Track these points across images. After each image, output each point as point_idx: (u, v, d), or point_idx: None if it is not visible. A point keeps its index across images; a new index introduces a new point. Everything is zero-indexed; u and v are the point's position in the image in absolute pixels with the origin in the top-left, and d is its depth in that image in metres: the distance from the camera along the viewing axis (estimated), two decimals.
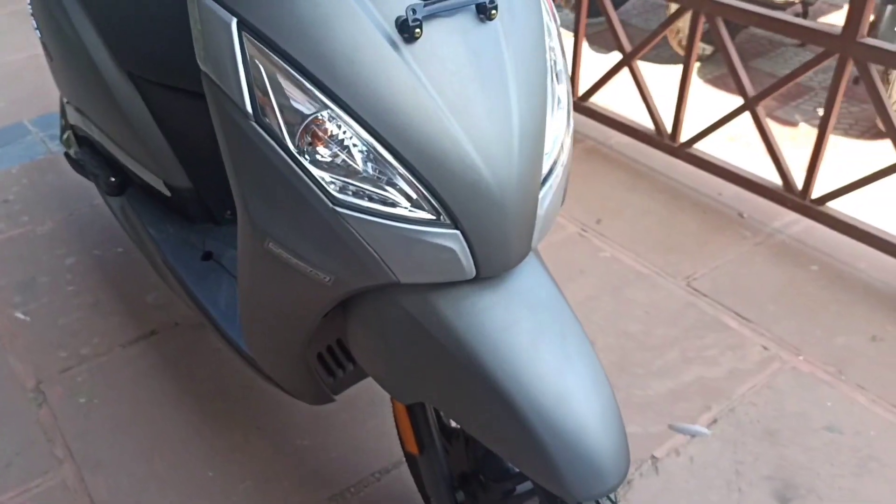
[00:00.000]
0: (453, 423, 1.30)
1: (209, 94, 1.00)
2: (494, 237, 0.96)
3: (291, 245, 1.00)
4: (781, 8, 3.11)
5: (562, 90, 1.05)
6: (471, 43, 0.93)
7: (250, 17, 0.91)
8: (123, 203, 1.79)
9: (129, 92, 1.56)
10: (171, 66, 1.49)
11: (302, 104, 0.92)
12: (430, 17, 0.90)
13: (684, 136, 2.59)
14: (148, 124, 1.57)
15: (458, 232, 0.94)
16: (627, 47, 2.59)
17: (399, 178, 0.92)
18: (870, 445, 1.68)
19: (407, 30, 0.89)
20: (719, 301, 2.09)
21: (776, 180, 2.38)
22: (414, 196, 0.93)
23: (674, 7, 2.50)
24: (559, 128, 1.04)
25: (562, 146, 1.04)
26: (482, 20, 0.94)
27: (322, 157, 0.93)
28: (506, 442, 0.97)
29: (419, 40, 0.90)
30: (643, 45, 2.55)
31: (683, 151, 2.59)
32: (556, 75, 1.04)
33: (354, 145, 0.92)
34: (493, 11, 0.93)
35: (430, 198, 0.93)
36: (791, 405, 1.78)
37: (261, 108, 0.93)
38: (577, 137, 2.87)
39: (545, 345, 0.98)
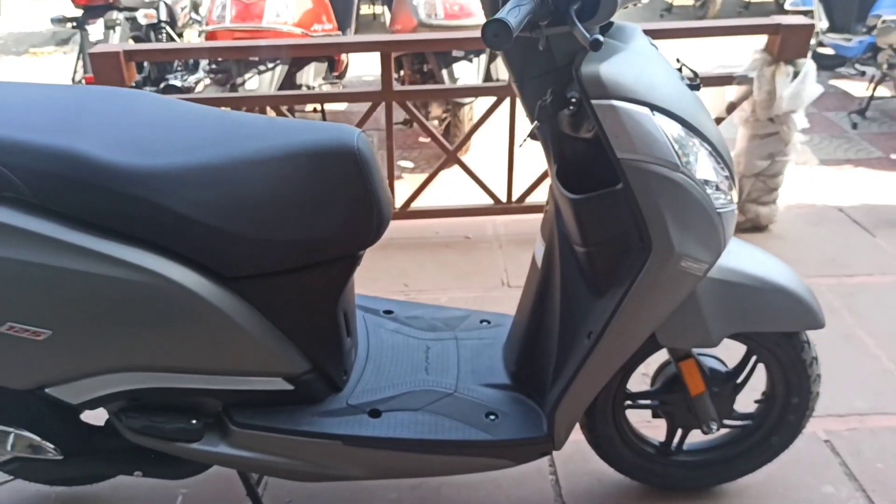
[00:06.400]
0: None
1: (634, 175, 1.30)
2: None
3: (696, 255, 1.36)
4: None
5: None
6: None
7: (656, 103, 1.29)
8: (230, 433, 1.50)
9: (234, 301, 1.38)
10: (267, 253, 1.39)
11: (696, 147, 1.33)
12: None
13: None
14: (261, 324, 1.42)
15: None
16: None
17: (729, 179, 1.41)
18: None
19: (696, 87, 1.39)
20: None
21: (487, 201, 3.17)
22: (733, 191, 1.42)
23: None
24: None
25: None
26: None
27: (706, 181, 1.35)
28: (784, 316, 1.55)
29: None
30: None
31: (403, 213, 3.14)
32: None
33: (717, 165, 1.38)
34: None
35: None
36: None
37: (680, 160, 1.30)
38: None
39: (767, 255, 1.61)
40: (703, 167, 1.35)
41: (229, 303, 1.37)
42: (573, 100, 1.34)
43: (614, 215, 1.37)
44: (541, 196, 3.18)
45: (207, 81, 3.73)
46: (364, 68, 6.07)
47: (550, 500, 1.84)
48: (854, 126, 4.59)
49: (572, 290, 1.51)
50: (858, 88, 5.13)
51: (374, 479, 1.60)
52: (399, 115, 3.42)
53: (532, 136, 1.50)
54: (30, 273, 1.26)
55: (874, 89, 4.69)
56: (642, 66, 1.32)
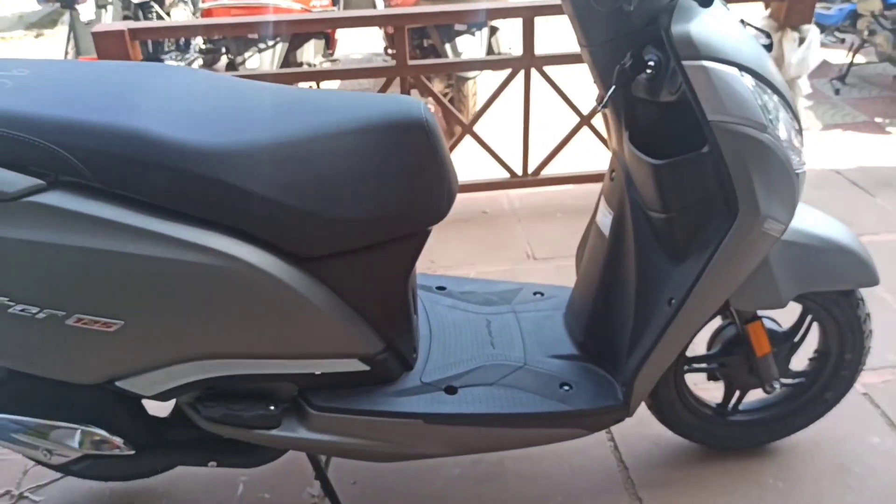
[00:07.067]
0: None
1: (724, 137, 1.30)
2: None
3: (778, 216, 1.38)
4: None
5: None
6: None
7: (743, 63, 1.30)
8: (309, 417, 1.47)
9: (310, 283, 1.35)
10: (343, 231, 1.36)
11: (777, 107, 1.35)
12: None
13: None
14: (336, 305, 1.39)
15: None
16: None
17: (800, 138, 1.42)
18: None
19: (768, 48, 1.39)
20: (557, 256, 2.82)
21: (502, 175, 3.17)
22: (803, 151, 1.43)
23: None
24: None
25: None
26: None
27: (784, 139, 1.36)
28: (844, 274, 1.61)
29: None
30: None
31: None
32: None
33: (793, 126, 1.39)
34: None
35: None
36: None
37: (766, 121, 1.31)
38: None
39: (823, 214, 1.68)
40: (783, 128, 1.36)
41: (306, 284, 1.34)
42: (651, 63, 1.34)
43: (698, 179, 1.38)
44: (554, 168, 3.20)
45: (201, 61, 3.64)
46: (350, 46, 6.01)
47: (613, 465, 1.87)
48: (837, 92, 4.69)
49: (648, 257, 1.52)
50: (836, 56, 5.23)
51: (451, 455, 1.60)
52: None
53: (601, 101, 1.49)
54: (96, 261, 1.21)
55: (853, 56, 4.79)
56: (723, 25, 1.32)
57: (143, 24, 2.76)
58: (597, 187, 3.18)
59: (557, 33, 4.52)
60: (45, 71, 1.33)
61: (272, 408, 1.46)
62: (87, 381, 1.37)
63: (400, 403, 1.51)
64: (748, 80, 1.30)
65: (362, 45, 6.15)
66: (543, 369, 1.62)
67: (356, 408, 1.48)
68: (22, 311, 1.23)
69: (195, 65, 3.63)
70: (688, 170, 1.38)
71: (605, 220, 1.62)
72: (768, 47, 1.41)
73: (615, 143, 1.55)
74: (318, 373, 1.45)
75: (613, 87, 1.37)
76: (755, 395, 1.82)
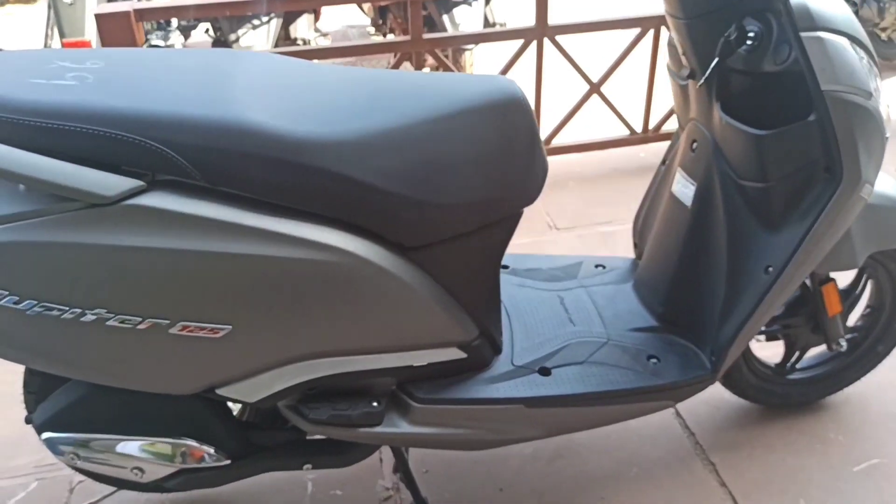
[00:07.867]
0: None
1: (835, 106, 1.31)
2: None
3: (873, 181, 1.41)
4: None
5: None
6: None
7: (850, 32, 1.32)
8: (412, 410, 1.44)
9: (416, 272, 1.31)
10: (450, 218, 1.32)
11: (872, 72, 1.36)
12: None
13: None
14: (440, 294, 1.35)
15: None
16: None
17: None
18: None
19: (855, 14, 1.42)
20: (578, 225, 2.85)
21: None
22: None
23: None
24: None
25: None
26: None
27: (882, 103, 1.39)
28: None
29: None
30: None
31: None
32: None
33: (882, 92, 1.41)
34: None
35: None
36: None
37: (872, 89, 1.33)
38: None
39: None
40: (880, 92, 1.39)
41: (412, 274, 1.30)
42: (751, 34, 1.34)
43: (802, 148, 1.39)
44: (565, 137, 3.21)
45: (182, 39, 3.50)
46: (326, 19, 5.89)
47: (679, 432, 1.90)
48: None
49: (740, 226, 1.52)
50: None
51: (548, 437, 1.60)
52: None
53: (690, 75, 1.49)
54: (203, 264, 1.14)
55: None
56: None
57: (147, 4, 2.61)
58: (605, 154, 3.24)
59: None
60: (120, 61, 1.24)
61: (375, 404, 1.42)
62: (186, 391, 1.30)
63: (500, 389, 1.49)
64: (856, 49, 1.32)
65: (338, 17, 6.02)
66: (628, 343, 1.63)
67: (459, 397, 1.45)
68: (121, 322, 1.16)
69: (178, 43, 3.50)
70: (792, 139, 1.38)
71: (685, 190, 1.62)
72: (854, 13, 1.43)
73: (697, 113, 1.55)
74: (419, 364, 1.41)
75: (717, 60, 1.37)
76: (809, 353, 1.87)
